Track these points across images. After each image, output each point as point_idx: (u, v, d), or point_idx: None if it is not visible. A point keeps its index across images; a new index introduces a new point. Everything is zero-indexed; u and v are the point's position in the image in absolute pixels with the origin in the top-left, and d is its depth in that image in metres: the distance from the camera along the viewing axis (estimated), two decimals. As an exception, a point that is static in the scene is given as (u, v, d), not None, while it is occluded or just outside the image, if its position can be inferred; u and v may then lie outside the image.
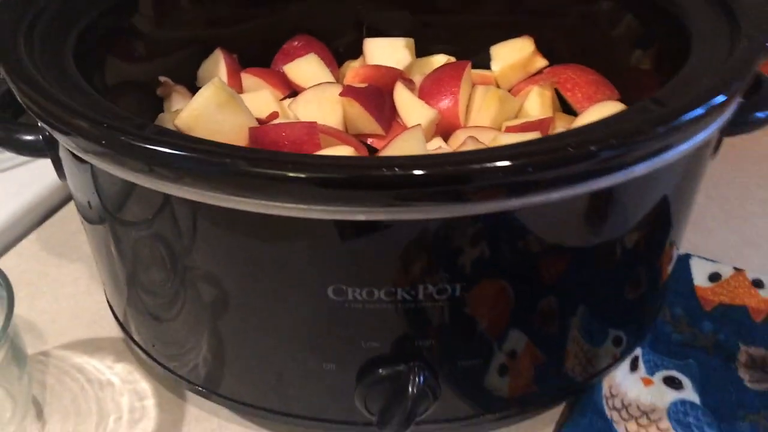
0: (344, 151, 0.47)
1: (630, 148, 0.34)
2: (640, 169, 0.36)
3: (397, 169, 0.32)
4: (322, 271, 0.37)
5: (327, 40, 0.66)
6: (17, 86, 0.38)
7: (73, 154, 0.40)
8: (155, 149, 0.34)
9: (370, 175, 0.32)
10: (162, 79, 0.56)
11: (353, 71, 0.57)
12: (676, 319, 0.55)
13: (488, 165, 0.32)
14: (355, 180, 0.32)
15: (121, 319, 0.52)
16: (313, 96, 0.54)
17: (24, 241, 0.69)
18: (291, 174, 0.32)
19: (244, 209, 0.34)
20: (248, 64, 0.62)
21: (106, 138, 0.35)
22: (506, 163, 0.32)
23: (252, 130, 0.49)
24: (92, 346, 0.57)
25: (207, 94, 0.49)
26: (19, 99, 0.39)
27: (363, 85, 0.55)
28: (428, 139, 0.55)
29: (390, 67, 0.58)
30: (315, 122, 0.48)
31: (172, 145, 0.34)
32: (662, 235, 0.45)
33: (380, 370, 0.41)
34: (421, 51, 0.64)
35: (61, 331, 0.59)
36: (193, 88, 0.59)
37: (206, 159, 0.33)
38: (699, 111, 0.35)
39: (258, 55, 0.63)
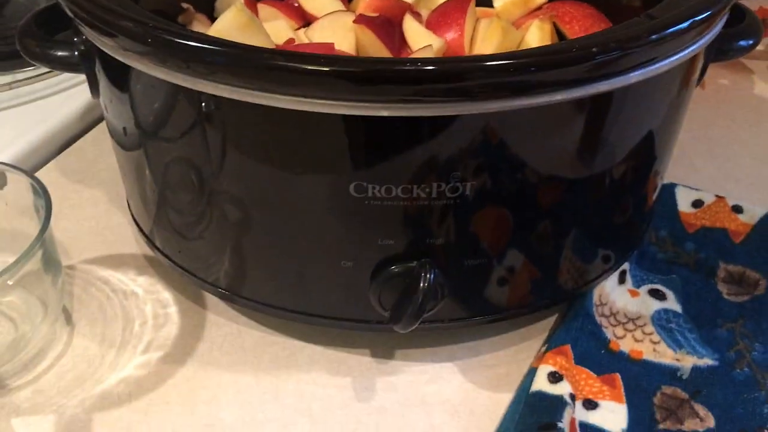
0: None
1: (626, 52, 0.38)
2: (635, 76, 0.39)
3: (410, 64, 0.35)
4: (346, 168, 0.40)
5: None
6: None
7: (110, 65, 0.43)
8: (198, 45, 0.37)
9: (391, 69, 0.36)
10: (185, 5, 0.59)
11: (365, 3, 0.60)
12: (661, 240, 0.59)
13: (496, 63, 0.36)
14: (375, 73, 0.36)
15: (145, 230, 0.55)
16: (327, 23, 0.57)
17: (42, 170, 0.72)
18: (318, 68, 0.36)
19: (272, 105, 0.38)
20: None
21: (151, 36, 0.38)
22: (511, 61, 0.36)
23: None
24: (115, 261, 0.61)
25: (229, 16, 0.52)
26: (64, 6, 0.42)
27: (375, 15, 0.58)
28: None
29: (399, 0, 0.61)
30: (332, 44, 0.52)
31: (211, 42, 0.37)
32: (648, 162, 0.49)
33: (394, 267, 0.45)
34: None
35: (85, 247, 0.62)
36: (212, 20, 0.62)
37: (242, 54, 0.37)
38: (687, 23, 0.39)
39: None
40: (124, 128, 0.48)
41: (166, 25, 0.39)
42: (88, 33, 0.43)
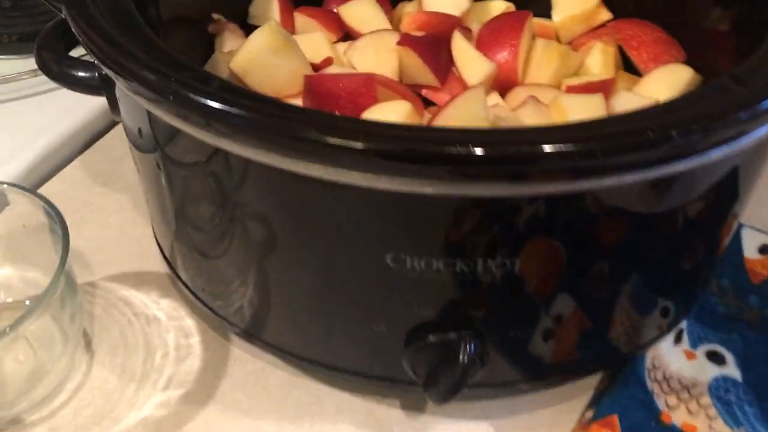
0: (400, 106, 0.46)
1: (710, 133, 0.33)
2: (716, 154, 0.34)
3: (459, 146, 0.31)
4: (382, 240, 0.37)
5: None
6: (83, 32, 0.37)
7: (131, 103, 0.39)
8: (219, 108, 0.33)
9: (434, 151, 0.31)
10: (215, 16, 0.54)
11: (410, 17, 0.55)
12: (723, 291, 0.54)
13: (558, 148, 0.31)
14: (416, 154, 0.32)
15: (169, 257, 0.52)
16: (369, 43, 0.53)
17: (68, 168, 0.70)
18: (350, 144, 0.31)
19: (307, 174, 0.34)
20: (301, 2, 0.60)
21: (174, 93, 0.34)
22: (574, 146, 0.31)
23: (308, 78, 0.48)
24: (138, 280, 0.58)
25: (263, 37, 0.48)
26: (84, 46, 0.38)
27: (420, 34, 0.53)
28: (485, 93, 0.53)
29: (447, 15, 0.56)
30: (373, 74, 0.47)
31: (234, 102, 0.33)
32: (727, 208, 0.44)
33: (430, 336, 0.41)
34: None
35: (108, 261, 0.60)
36: (245, 25, 0.58)
37: (264, 121, 0.33)
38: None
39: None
40: (146, 158, 0.45)
41: (190, 74, 0.35)
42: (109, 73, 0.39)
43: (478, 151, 0.31)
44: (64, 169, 0.69)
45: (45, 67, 0.47)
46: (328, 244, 0.38)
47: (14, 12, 0.79)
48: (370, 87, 0.47)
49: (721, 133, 0.33)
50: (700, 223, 0.41)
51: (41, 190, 0.67)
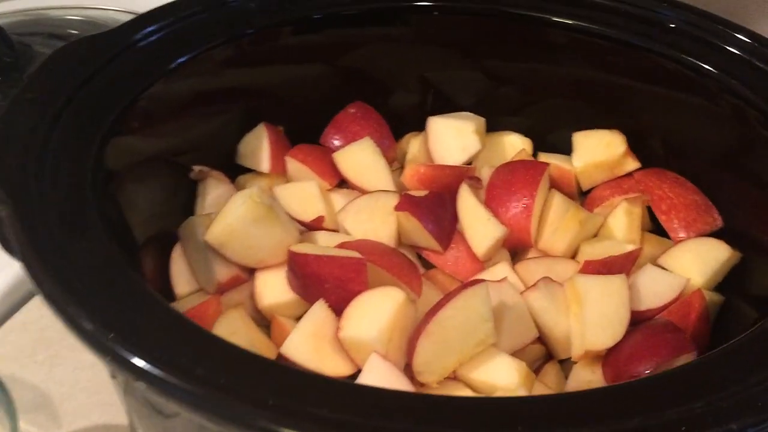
0: (393, 297, 0.41)
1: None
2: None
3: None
4: None
5: (387, 96, 0.58)
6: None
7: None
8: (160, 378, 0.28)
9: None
10: (196, 168, 0.49)
11: (413, 169, 0.50)
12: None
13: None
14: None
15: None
16: (365, 205, 0.47)
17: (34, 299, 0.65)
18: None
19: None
20: (296, 133, 0.55)
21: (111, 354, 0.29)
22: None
23: (292, 257, 0.43)
24: (106, 437, 0.53)
25: (243, 208, 0.43)
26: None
27: (422, 194, 0.47)
28: (492, 255, 0.48)
29: (454, 167, 0.50)
30: (363, 259, 0.42)
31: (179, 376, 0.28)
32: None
33: None
34: (491, 122, 0.56)
35: (77, 411, 0.55)
36: (231, 166, 0.53)
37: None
38: None
39: (308, 122, 0.55)
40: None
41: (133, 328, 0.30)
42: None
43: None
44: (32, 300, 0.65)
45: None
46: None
47: None
48: (360, 273, 0.41)
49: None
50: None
51: (19, 315, 0.62)
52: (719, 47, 0.48)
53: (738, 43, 0.48)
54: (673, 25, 0.50)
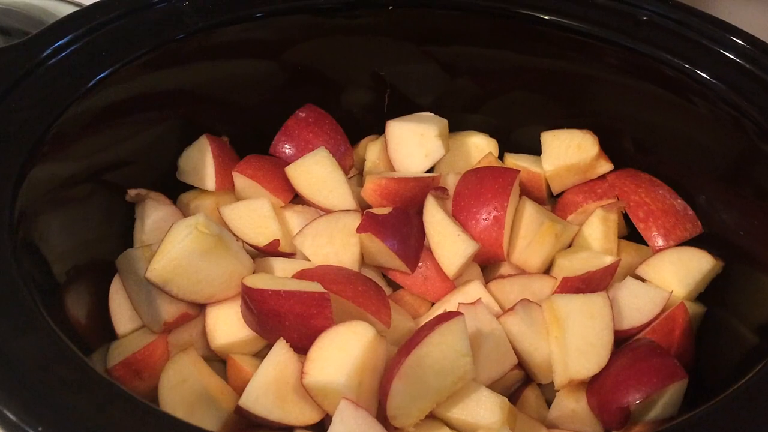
0: (363, 334, 0.37)
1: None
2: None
3: None
4: None
5: (339, 96, 0.54)
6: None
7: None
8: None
9: None
10: (132, 192, 0.44)
11: (374, 183, 0.46)
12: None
13: None
14: None
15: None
16: (324, 227, 0.43)
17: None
18: None
19: None
20: (243, 142, 0.50)
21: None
22: None
23: (247, 292, 0.38)
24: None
25: (188, 241, 0.38)
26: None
27: (385, 211, 0.43)
28: (462, 272, 0.44)
29: (419, 178, 0.46)
30: (327, 293, 0.37)
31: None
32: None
33: None
34: (453, 120, 0.52)
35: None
36: (172, 183, 0.48)
37: None
38: None
39: (256, 128, 0.50)
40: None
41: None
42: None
43: None
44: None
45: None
46: None
47: None
48: (323, 308, 0.37)
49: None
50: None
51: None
52: (690, 39, 0.45)
53: (709, 35, 0.45)
54: (645, 18, 0.47)
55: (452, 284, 0.44)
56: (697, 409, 0.29)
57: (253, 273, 0.42)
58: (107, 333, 0.43)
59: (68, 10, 0.66)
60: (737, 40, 0.44)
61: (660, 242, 0.45)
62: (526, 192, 0.50)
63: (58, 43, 0.39)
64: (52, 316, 0.32)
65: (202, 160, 0.47)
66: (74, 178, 0.41)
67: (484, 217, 0.45)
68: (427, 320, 0.38)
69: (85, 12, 0.41)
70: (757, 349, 0.39)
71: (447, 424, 0.38)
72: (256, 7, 0.47)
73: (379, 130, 0.52)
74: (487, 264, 0.47)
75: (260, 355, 0.41)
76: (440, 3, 0.49)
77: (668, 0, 0.46)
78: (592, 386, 0.40)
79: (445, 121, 0.51)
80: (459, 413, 0.37)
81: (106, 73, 0.39)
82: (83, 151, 0.41)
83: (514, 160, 0.51)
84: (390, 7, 0.49)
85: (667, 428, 0.28)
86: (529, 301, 0.42)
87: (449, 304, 0.43)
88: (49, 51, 0.39)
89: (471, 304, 0.41)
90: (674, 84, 0.45)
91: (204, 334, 0.41)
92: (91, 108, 0.39)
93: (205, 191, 0.47)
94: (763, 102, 0.41)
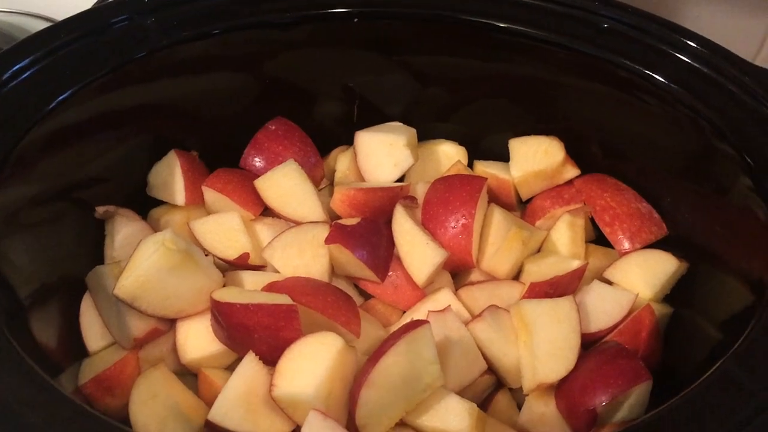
0: (331, 344, 0.37)
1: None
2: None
3: None
4: None
5: (310, 108, 0.54)
6: None
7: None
8: None
9: None
10: (100, 209, 0.44)
11: (343, 194, 0.46)
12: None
13: None
14: None
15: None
16: (293, 239, 0.43)
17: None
18: None
19: None
20: (213, 156, 0.50)
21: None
22: None
23: (216, 306, 0.38)
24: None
25: (155, 257, 0.39)
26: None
27: (354, 222, 0.44)
28: (433, 280, 0.45)
29: (387, 188, 0.47)
30: (294, 305, 0.38)
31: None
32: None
33: None
34: (422, 129, 0.53)
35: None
36: (142, 199, 0.48)
37: None
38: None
39: (226, 142, 0.51)
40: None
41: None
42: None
43: None
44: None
45: None
46: None
47: None
48: (291, 320, 0.38)
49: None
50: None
51: None
52: (649, 44, 0.46)
53: (666, 40, 0.46)
54: (605, 26, 0.47)
55: (422, 292, 0.45)
56: (654, 410, 0.30)
57: (223, 286, 0.42)
58: (79, 350, 0.43)
59: (42, 25, 0.66)
60: (692, 44, 0.45)
61: (626, 245, 0.46)
62: (495, 199, 0.50)
63: (19, 65, 0.39)
64: (17, 338, 0.32)
65: (171, 175, 0.47)
66: (40, 198, 0.41)
67: (452, 224, 0.45)
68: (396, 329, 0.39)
69: (48, 32, 0.41)
70: (721, 345, 0.40)
71: (417, 431, 0.38)
72: (217, 23, 0.47)
73: (350, 141, 0.53)
74: (458, 271, 0.47)
75: (232, 368, 0.41)
76: (401, 14, 0.50)
77: (628, 7, 0.47)
78: (560, 390, 0.40)
79: (413, 131, 0.51)
80: (429, 420, 0.38)
81: (67, 94, 0.39)
82: (49, 171, 0.41)
83: (483, 168, 0.51)
84: (355, 20, 0.50)
85: (626, 429, 0.29)
86: (498, 307, 0.42)
87: (419, 312, 0.44)
88: (8, 74, 0.39)
89: (440, 311, 0.42)
90: (634, 88, 0.45)
91: (175, 349, 0.41)
92: (55, 129, 0.40)
93: (175, 206, 0.47)
94: (718, 102, 0.42)
